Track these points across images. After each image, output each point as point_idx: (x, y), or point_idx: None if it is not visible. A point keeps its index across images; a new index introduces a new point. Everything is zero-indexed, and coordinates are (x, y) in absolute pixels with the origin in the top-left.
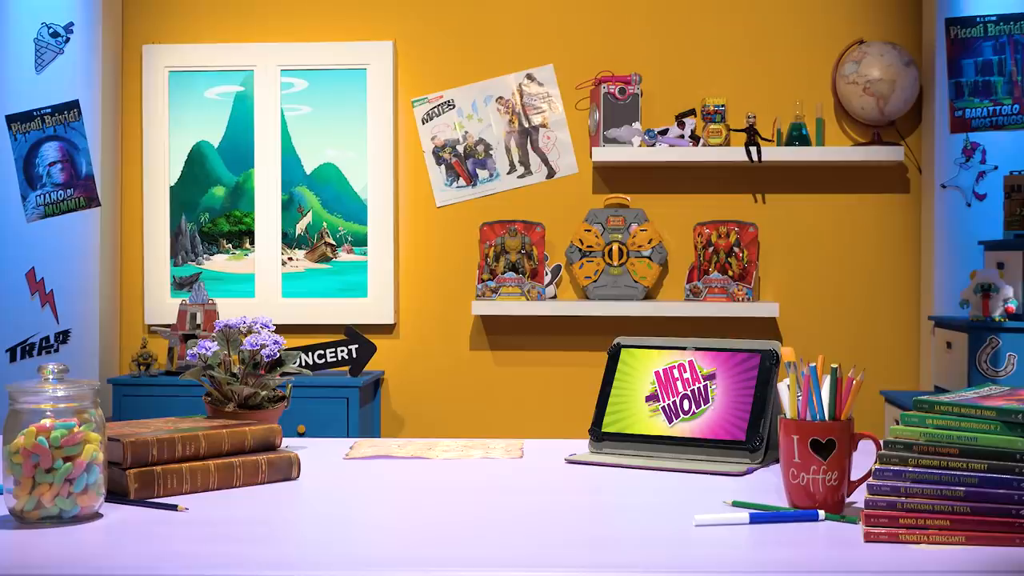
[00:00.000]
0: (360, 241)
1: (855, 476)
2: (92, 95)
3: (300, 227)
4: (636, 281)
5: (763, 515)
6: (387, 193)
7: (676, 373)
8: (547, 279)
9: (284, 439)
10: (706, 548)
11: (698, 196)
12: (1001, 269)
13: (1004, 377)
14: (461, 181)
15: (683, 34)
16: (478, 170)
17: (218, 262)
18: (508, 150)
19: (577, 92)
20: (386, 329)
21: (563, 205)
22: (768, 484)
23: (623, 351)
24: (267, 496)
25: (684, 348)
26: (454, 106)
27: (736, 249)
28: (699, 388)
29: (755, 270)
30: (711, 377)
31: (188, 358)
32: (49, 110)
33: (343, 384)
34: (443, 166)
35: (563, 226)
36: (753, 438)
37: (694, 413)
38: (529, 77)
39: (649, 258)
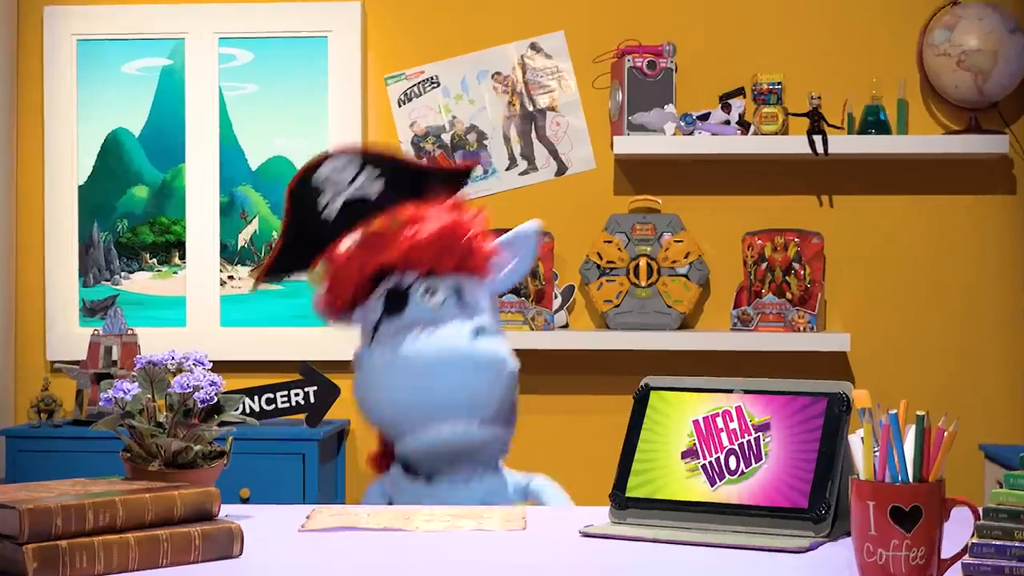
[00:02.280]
0: None
1: (947, 553)
2: None
3: (244, 237)
4: (669, 306)
5: None
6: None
7: (720, 423)
8: (556, 303)
9: (223, 506)
10: None
11: (748, 198)
12: None
13: None
14: None
15: None
16: None
17: (140, 282)
18: (507, 140)
19: (595, 66)
20: (350, 366)
21: (577, 210)
22: (837, 563)
23: (653, 395)
24: None
25: (730, 391)
26: (439, 84)
27: (796, 265)
28: (749, 441)
29: (820, 292)
30: (764, 427)
31: (102, 403)
32: None
33: (298, 436)
34: (425, 160)
35: (577, 236)
36: (818, 505)
37: (743, 473)
38: (534, 48)
39: (686, 277)
